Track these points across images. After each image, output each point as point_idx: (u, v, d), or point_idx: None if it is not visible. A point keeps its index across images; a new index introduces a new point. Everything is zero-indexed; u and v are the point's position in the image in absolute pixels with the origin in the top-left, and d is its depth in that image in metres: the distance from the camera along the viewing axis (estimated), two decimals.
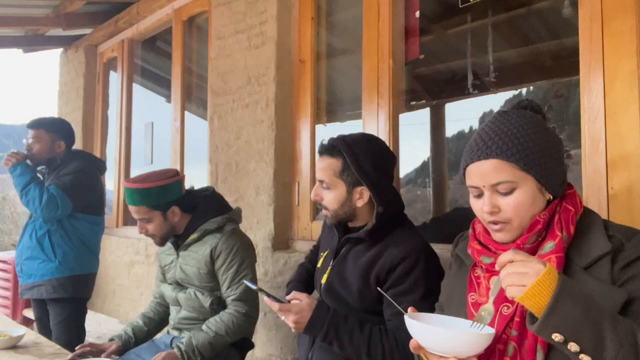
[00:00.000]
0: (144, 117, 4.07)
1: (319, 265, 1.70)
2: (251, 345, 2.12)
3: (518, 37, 3.30)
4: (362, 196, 1.53)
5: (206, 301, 1.97)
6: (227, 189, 2.79)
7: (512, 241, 1.04)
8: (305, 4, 2.64)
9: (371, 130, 2.26)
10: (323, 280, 1.61)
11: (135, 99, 4.15)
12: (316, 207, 2.61)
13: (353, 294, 1.51)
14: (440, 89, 4.05)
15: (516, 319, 0.99)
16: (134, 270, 3.66)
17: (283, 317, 1.44)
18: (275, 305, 1.42)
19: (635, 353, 0.83)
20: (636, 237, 0.98)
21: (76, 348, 1.92)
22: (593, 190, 1.59)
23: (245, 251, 1.99)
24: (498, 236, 1.05)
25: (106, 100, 4.41)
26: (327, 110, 2.83)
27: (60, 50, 4.80)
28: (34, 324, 3.21)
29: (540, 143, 1.01)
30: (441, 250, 1.60)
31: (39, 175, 2.70)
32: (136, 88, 4.19)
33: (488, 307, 0.96)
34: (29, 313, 3.96)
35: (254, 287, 1.43)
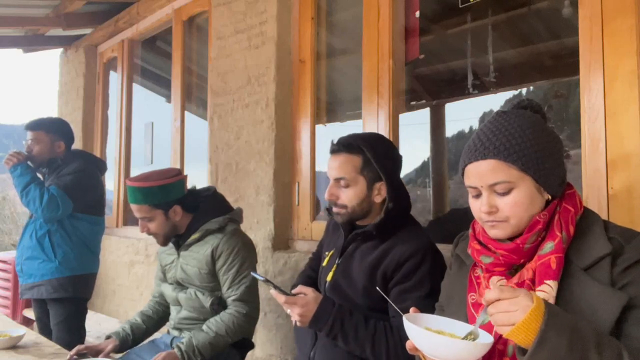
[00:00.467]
0: (144, 117, 4.07)
1: (324, 264, 1.70)
2: (251, 346, 2.12)
3: (518, 37, 3.30)
4: (380, 192, 1.55)
5: (207, 301, 1.97)
6: (227, 189, 2.79)
7: (507, 238, 1.04)
8: (305, 4, 2.64)
9: (371, 130, 2.26)
10: (328, 278, 1.61)
11: (135, 99, 4.15)
12: (316, 207, 2.61)
13: (358, 291, 1.52)
14: (440, 89, 4.06)
15: None
16: (134, 270, 3.66)
17: (288, 311, 1.44)
18: (281, 298, 1.42)
19: None
20: (636, 239, 0.98)
21: (71, 351, 1.90)
22: (593, 190, 1.59)
23: (246, 252, 1.99)
24: (493, 232, 1.05)
25: (106, 100, 4.41)
26: (327, 110, 2.83)
27: (60, 50, 4.80)
28: (34, 324, 3.21)
29: (538, 143, 1.01)
30: (440, 250, 1.60)
31: (39, 175, 2.70)
32: (136, 88, 4.20)
33: (474, 332, 0.96)
34: (29, 313, 3.97)
35: (261, 278, 1.42)
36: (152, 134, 3.90)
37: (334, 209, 1.58)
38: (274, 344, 2.54)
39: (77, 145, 4.00)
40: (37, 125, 2.71)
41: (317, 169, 2.59)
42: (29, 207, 2.59)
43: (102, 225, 2.85)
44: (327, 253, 1.72)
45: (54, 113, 5.23)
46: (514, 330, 0.84)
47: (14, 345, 1.95)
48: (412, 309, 1.08)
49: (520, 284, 1.00)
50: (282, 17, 2.64)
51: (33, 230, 2.66)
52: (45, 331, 2.68)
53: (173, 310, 2.11)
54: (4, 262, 4.32)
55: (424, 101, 4.14)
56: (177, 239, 2.06)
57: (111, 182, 4.16)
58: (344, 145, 1.56)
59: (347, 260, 1.59)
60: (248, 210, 2.62)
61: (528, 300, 0.85)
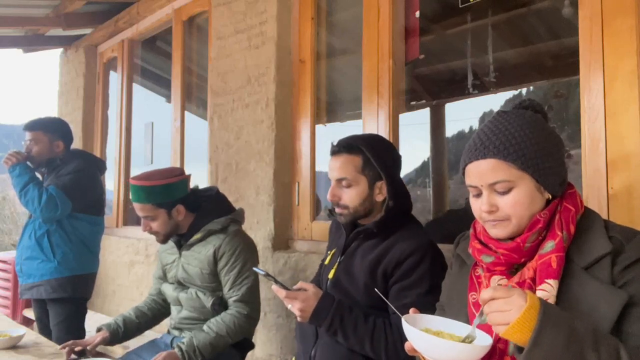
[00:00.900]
0: (144, 117, 4.07)
1: (326, 262, 1.72)
2: (251, 346, 2.12)
3: (518, 37, 3.30)
4: (382, 191, 1.57)
5: (208, 301, 1.97)
6: (227, 189, 2.79)
7: (508, 237, 1.04)
8: (305, 4, 2.64)
9: (371, 130, 2.27)
10: (330, 276, 1.63)
11: (135, 99, 4.15)
12: (316, 207, 2.61)
13: (359, 288, 1.53)
14: (440, 89, 4.06)
15: None
16: (134, 270, 3.66)
17: (289, 306, 1.45)
18: (282, 293, 1.43)
19: None
20: (636, 238, 0.98)
21: (59, 347, 1.90)
22: (593, 190, 1.59)
23: (248, 253, 2.00)
24: (493, 232, 1.06)
25: (106, 100, 4.41)
26: (327, 110, 2.83)
27: (60, 50, 4.80)
28: (34, 324, 3.21)
29: (538, 142, 1.02)
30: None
31: (38, 175, 2.70)
32: (136, 88, 4.20)
33: (471, 335, 0.96)
34: (29, 313, 3.97)
35: (262, 272, 1.43)
36: (152, 134, 3.90)
37: (337, 210, 1.60)
38: (274, 344, 2.54)
39: (77, 145, 4.00)
40: (36, 125, 2.71)
41: (317, 169, 2.59)
42: (27, 207, 2.59)
43: (101, 225, 2.85)
44: (329, 252, 1.74)
45: (54, 113, 5.23)
46: (509, 329, 0.85)
47: (14, 345, 1.95)
48: (411, 310, 1.09)
49: (521, 283, 1.01)
50: (282, 17, 2.64)
51: (32, 230, 2.66)
52: (45, 331, 2.68)
53: (174, 310, 2.11)
54: (4, 262, 4.33)
55: (424, 101, 4.14)
56: (178, 238, 2.06)
57: (111, 182, 4.16)
58: (344, 146, 1.58)
59: (348, 258, 1.61)
60: (248, 210, 2.62)
61: (522, 299, 0.85)
